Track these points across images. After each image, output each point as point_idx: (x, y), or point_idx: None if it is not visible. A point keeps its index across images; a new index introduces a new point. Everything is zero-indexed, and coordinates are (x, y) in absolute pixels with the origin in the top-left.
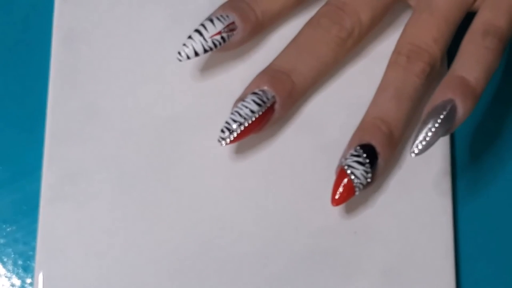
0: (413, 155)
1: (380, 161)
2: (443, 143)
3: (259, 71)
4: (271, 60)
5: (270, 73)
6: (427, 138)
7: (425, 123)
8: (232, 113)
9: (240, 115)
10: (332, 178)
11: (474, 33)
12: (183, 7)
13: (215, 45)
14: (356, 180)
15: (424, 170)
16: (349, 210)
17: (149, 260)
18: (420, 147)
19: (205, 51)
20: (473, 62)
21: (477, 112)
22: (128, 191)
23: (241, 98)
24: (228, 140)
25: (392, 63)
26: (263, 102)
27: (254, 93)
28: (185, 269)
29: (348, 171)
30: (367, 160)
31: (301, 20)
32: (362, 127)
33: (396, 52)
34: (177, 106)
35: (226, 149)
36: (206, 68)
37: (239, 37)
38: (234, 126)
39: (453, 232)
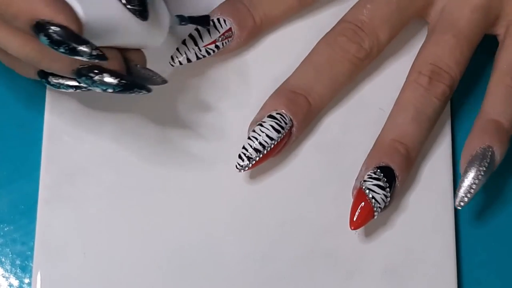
0: (459, 208)
1: (398, 184)
2: (444, 143)
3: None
4: (270, 59)
5: (287, 94)
6: (473, 189)
7: (468, 173)
8: (250, 139)
9: (259, 142)
10: (333, 178)
11: (502, 73)
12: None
13: (209, 53)
14: (376, 205)
15: (425, 170)
16: None
17: (148, 260)
18: (466, 199)
19: (198, 58)
20: (505, 104)
21: (478, 107)
22: (126, 191)
23: (258, 121)
24: (246, 168)
25: (412, 82)
26: (282, 128)
27: (272, 117)
28: (184, 270)
29: (369, 196)
30: (387, 184)
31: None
32: (380, 148)
33: (417, 71)
34: (176, 105)
35: (226, 149)
36: (206, 67)
37: (235, 43)
38: (253, 154)
39: (454, 232)
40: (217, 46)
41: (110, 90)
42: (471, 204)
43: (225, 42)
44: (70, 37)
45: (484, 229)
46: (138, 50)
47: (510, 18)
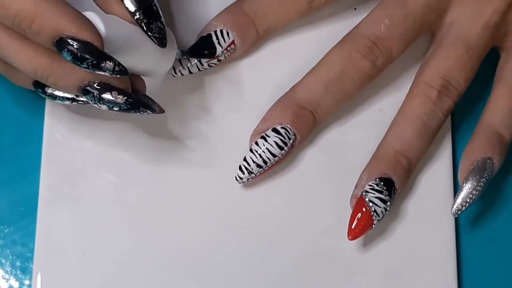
0: (455, 215)
1: (396, 196)
2: (444, 143)
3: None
4: (267, 64)
5: (293, 108)
6: (471, 199)
7: (468, 182)
8: (252, 152)
9: (261, 157)
10: (333, 178)
11: (509, 86)
12: None
13: (210, 66)
14: (376, 217)
15: (425, 171)
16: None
17: (148, 261)
18: (463, 208)
19: (200, 70)
20: (510, 118)
21: (478, 112)
22: (126, 192)
23: (261, 132)
24: (246, 182)
25: (421, 94)
26: (285, 144)
27: (276, 131)
28: (185, 270)
29: (372, 209)
30: (389, 198)
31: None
32: (383, 159)
33: (426, 83)
34: (176, 105)
35: (226, 151)
36: (203, 73)
37: (236, 55)
38: (255, 169)
39: (454, 234)
40: (219, 61)
41: (116, 109)
42: (471, 207)
43: (227, 55)
44: (94, 53)
45: (484, 232)
46: (139, 78)
47: None
